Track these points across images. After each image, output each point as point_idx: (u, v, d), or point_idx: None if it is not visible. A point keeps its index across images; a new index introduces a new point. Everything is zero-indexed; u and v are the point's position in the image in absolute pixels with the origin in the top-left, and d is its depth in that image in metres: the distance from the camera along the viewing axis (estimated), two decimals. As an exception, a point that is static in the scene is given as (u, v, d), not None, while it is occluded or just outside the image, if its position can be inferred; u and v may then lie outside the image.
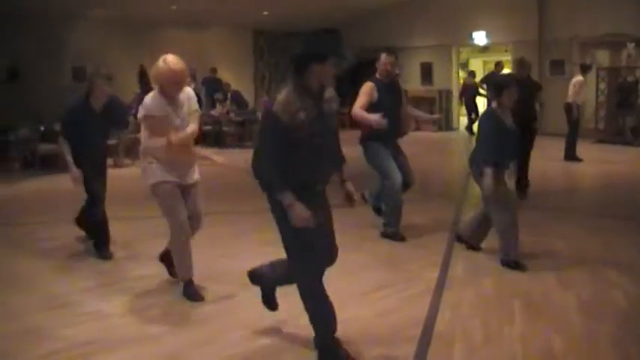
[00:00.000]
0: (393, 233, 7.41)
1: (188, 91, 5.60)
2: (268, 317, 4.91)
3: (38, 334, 4.82)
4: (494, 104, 6.43)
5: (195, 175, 5.74)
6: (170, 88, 5.35)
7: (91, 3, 16.83)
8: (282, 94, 4.02)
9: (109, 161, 13.87)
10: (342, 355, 4.27)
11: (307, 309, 4.29)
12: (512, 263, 6.23)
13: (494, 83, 6.73)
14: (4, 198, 10.75)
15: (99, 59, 16.07)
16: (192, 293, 5.53)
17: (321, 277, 4.28)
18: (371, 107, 7.11)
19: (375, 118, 6.84)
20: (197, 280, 5.62)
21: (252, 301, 5.03)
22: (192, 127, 5.54)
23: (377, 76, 7.40)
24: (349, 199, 4.44)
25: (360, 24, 22.24)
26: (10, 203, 10.28)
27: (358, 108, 7.17)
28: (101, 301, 5.50)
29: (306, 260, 4.18)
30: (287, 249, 4.21)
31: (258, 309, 4.91)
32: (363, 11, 21.47)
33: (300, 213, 3.96)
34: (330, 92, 4.24)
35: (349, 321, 4.87)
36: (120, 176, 11.63)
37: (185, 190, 5.60)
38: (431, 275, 5.99)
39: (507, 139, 6.30)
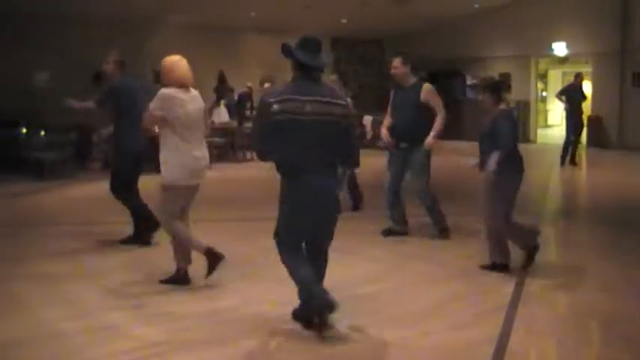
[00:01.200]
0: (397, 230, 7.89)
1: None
2: (341, 322, 4.93)
3: (111, 332, 4.92)
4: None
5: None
6: None
7: (173, 9, 17.20)
8: None
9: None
10: None
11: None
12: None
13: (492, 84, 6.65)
14: (85, 197, 11.05)
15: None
16: None
17: None
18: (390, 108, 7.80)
19: (385, 132, 7.69)
20: (270, 284, 5.64)
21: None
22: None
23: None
24: None
25: (436, 33, 22.09)
26: (91, 202, 10.53)
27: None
28: (174, 302, 5.58)
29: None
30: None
31: (331, 315, 4.91)
32: (439, 20, 21.28)
33: None
34: None
35: (421, 334, 4.84)
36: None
37: None
38: (506, 290, 5.85)
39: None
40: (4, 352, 4.58)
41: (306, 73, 4.71)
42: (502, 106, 6.39)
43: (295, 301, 5.03)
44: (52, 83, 15.99)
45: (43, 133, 13.32)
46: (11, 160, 13.78)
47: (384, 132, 7.63)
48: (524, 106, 21.44)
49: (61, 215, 9.49)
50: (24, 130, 13.95)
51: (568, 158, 14.89)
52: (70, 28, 16.13)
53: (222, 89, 17.60)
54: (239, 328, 4.99)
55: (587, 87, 18.55)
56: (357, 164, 5.07)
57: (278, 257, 4.93)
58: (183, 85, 5.93)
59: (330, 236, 4.98)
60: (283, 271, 6.01)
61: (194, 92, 6.07)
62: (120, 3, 15.80)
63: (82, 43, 16.27)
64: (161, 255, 6.85)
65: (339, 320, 5.00)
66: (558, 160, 14.94)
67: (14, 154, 13.80)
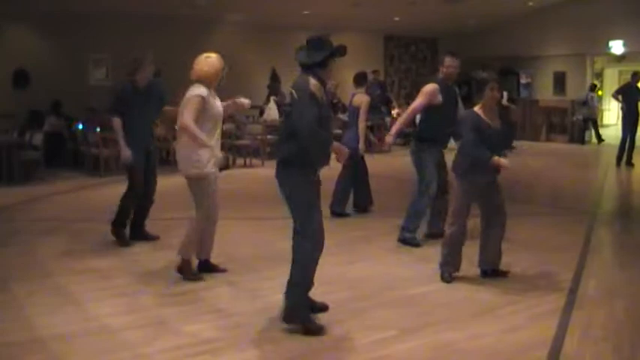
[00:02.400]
0: (411, 239, 7.37)
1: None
2: (393, 323, 4.93)
3: (164, 328, 4.98)
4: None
5: (185, 169, 6.34)
6: None
7: (229, 8, 17.36)
8: None
9: (241, 161, 14.42)
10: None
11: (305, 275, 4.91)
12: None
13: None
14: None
15: (231, 61, 16.53)
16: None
17: None
18: (431, 108, 7.19)
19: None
20: (320, 283, 5.66)
21: (377, 309, 5.03)
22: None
23: (441, 76, 7.36)
24: None
25: (490, 32, 21.84)
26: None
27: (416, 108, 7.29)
28: (224, 299, 5.63)
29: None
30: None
31: (382, 315, 4.89)
32: (494, 18, 21.02)
33: None
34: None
35: (471, 336, 4.80)
36: (251, 175, 11.87)
37: None
38: (561, 293, 5.75)
39: (486, 140, 5.90)
40: (53, 346, 4.64)
41: (302, 69, 5.00)
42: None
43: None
44: (108, 81, 16.27)
45: (98, 129, 13.52)
46: (69, 156, 14.16)
47: None
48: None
49: (111, 210, 9.58)
50: (81, 127, 14.22)
51: (624, 158, 14.60)
52: (127, 28, 16.39)
53: (274, 87, 17.71)
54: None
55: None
56: (316, 162, 4.88)
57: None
58: None
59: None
60: (331, 270, 6.04)
61: None
62: (177, 3, 15.99)
63: (139, 42, 16.55)
64: (216, 256, 6.94)
65: (389, 321, 5.00)
66: (614, 160, 14.66)
67: (73, 149, 14.17)
